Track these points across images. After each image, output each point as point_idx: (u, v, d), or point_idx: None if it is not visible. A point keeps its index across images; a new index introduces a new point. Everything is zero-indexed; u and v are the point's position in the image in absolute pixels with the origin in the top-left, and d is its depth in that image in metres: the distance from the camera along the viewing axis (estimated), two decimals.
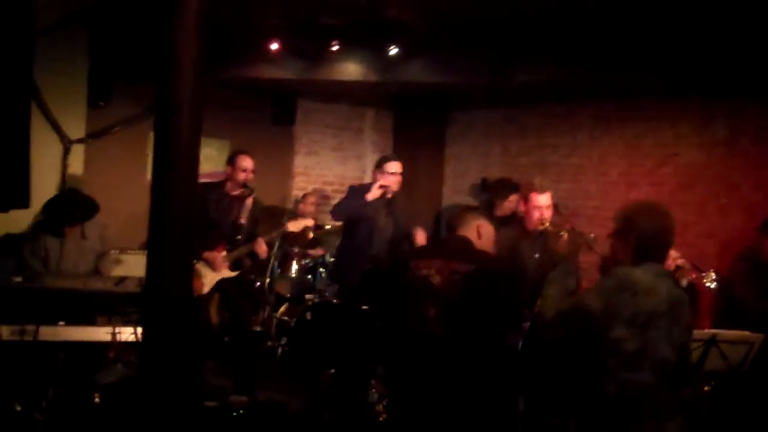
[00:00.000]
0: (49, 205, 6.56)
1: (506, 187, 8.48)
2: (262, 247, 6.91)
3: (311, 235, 8.80)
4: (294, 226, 7.19)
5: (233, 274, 6.88)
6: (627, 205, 3.91)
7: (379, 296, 4.37)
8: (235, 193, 6.90)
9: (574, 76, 8.12)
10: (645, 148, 8.74)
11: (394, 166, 6.78)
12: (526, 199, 5.78)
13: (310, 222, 7.42)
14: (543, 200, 5.71)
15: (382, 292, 4.32)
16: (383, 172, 6.77)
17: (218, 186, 6.89)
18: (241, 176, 6.86)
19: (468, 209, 4.83)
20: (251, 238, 6.94)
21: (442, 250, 4.51)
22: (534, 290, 5.53)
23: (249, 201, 6.96)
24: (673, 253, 5.90)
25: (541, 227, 5.68)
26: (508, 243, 5.78)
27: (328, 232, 8.75)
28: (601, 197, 8.93)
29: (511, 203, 8.19)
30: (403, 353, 4.29)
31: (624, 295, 3.44)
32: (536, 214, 5.68)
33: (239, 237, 6.89)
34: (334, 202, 7.76)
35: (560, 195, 8.81)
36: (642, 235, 3.64)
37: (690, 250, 7.52)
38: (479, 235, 4.47)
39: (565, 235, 5.59)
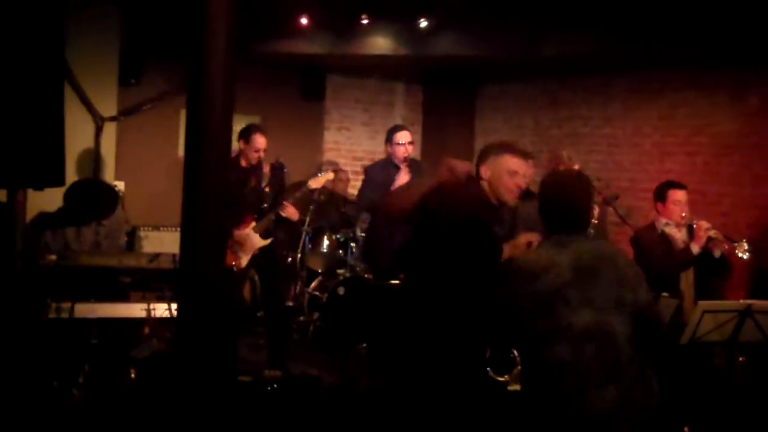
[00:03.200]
0: (70, 195, 6.49)
1: None
2: (288, 210, 6.90)
3: (342, 210, 8.82)
4: (316, 183, 7.16)
5: (266, 242, 6.90)
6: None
7: None
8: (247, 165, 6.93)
9: (606, 48, 8.04)
10: (679, 119, 8.64)
11: (403, 136, 6.75)
12: None
13: (330, 175, 7.39)
14: None
15: None
16: (393, 144, 6.76)
17: (233, 160, 6.71)
18: (254, 156, 6.87)
19: None
20: (276, 202, 6.96)
21: None
22: None
23: (266, 168, 7.00)
24: (704, 224, 5.88)
25: None
26: (532, 216, 5.76)
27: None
28: (635, 169, 8.85)
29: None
30: None
31: (524, 284, 3.41)
32: None
33: (265, 205, 6.94)
34: (362, 176, 7.74)
35: (593, 167, 8.75)
36: (543, 207, 3.59)
37: (725, 220, 7.49)
38: None
39: (595, 207, 5.56)
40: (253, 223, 6.83)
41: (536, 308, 3.36)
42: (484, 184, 4.24)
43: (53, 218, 6.41)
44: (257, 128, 6.99)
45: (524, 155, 4.25)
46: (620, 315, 3.36)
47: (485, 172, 4.23)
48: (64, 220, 6.40)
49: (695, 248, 5.80)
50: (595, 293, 3.36)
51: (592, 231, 5.62)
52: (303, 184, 7.27)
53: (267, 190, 7.01)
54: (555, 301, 3.34)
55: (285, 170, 7.44)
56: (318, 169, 8.25)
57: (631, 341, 3.36)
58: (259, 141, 6.87)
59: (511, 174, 4.18)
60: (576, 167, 5.70)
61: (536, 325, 3.36)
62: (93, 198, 6.49)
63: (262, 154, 6.90)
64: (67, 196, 6.31)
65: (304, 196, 7.30)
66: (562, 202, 3.53)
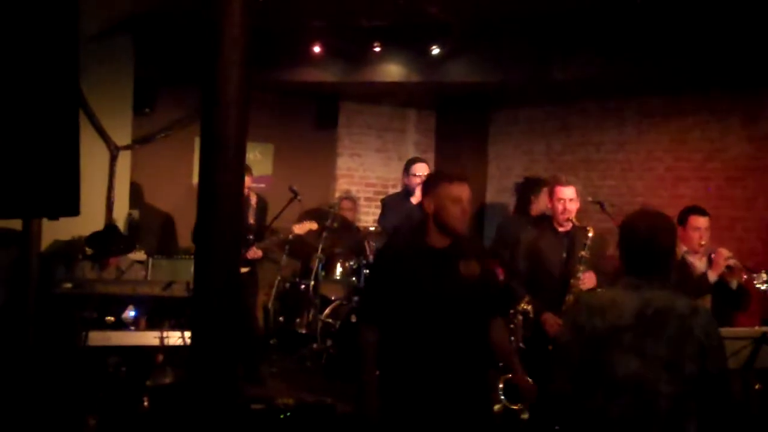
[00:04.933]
0: (93, 238, 6.74)
1: (539, 183, 8.36)
2: (252, 252, 7.33)
3: (355, 237, 8.84)
4: (299, 229, 7.64)
5: (245, 270, 7.13)
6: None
7: None
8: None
9: (616, 72, 8.04)
10: (692, 143, 8.62)
11: (420, 168, 6.81)
12: (551, 194, 5.76)
13: (314, 225, 7.78)
14: (567, 193, 5.66)
15: None
16: (410, 175, 6.81)
17: None
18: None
19: None
20: (259, 235, 7.44)
21: None
22: (561, 290, 5.52)
23: (253, 200, 7.40)
24: (724, 252, 5.81)
25: (568, 224, 5.67)
26: (533, 243, 5.77)
27: (373, 234, 8.78)
28: (649, 194, 8.83)
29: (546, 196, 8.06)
30: None
31: (582, 318, 3.33)
32: (560, 207, 5.65)
33: (250, 236, 7.30)
34: (375, 203, 7.82)
35: (606, 192, 8.74)
36: (626, 246, 3.43)
37: (739, 245, 7.44)
38: None
39: (591, 230, 5.54)
40: None
41: (588, 345, 3.28)
42: (431, 218, 4.14)
43: (67, 257, 6.55)
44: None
45: (461, 180, 4.12)
46: (671, 375, 3.19)
47: (428, 205, 4.13)
48: (83, 260, 6.56)
49: (712, 276, 5.72)
50: (650, 346, 3.21)
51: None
52: (323, 218, 7.89)
53: (252, 222, 7.39)
54: (607, 341, 3.25)
55: (298, 197, 7.69)
56: (329, 205, 8.60)
57: (675, 405, 3.19)
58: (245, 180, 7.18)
59: (454, 201, 4.06)
60: (573, 188, 5.69)
61: (582, 360, 3.30)
62: (111, 240, 6.72)
63: (246, 191, 7.18)
64: (89, 240, 6.53)
65: (285, 240, 7.78)
66: (640, 243, 3.38)
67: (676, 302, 3.29)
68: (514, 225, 7.74)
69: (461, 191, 4.07)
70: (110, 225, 7.70)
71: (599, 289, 3.44)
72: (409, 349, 4.06)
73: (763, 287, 5.70)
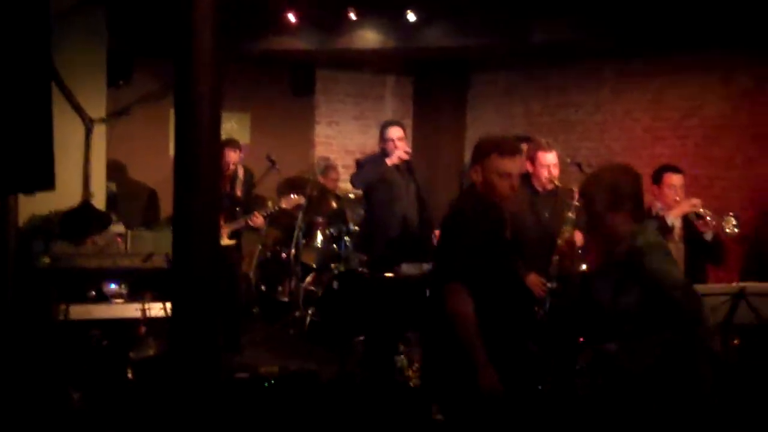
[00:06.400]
0: (67, 219, 6.67)
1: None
2: (257, 221, 7.34)
3: (334, 204, 8.84)
4: (287, 203, 7.57)
5: (231, 242, 7.25)
6: (590, 180, 4.02)
7: None
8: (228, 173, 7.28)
9: (594, 34, 8.04)
10: (669, 102, 8.64)
11: (394, 132, 6.70)
12: (532, 160, 5.74)
13: (301, 200, 7.74)
14: (550, 158, 5.70)
15: None
16: (384, 139, 6.73)
17: None
18: (226, 168, 7.21)
19: None
20: (248, 207, 7.37)
21: None
22: (549, 249, 5.54)
23: (240, 173, 7.38)
24: (694, 201, 5.82)
25: (550, 186, 5.67)
26: (521, 203, 5.76)
27: (352, 201, 8.77)
28: (627, 154, 8.84)
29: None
30: None
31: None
32: (544, 173, 5.67)
33: (237, 209, 7.31)
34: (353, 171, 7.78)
35: (584, 153, 8.76)
36: (633, 197, 3.80)
37: (717, 203, 7.47)
38: None
39: (576, 191, 5.53)
40: (223, 223, 7.00)
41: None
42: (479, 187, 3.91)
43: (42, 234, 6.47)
44: (228, 143, 7.30)
45: (513, 152, 3.87)
46: None
47: (476, 176, 3.90)
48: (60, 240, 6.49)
49: (669, 219, 5.67)
50: None
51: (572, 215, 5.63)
52: (301, 187, 7.94)
53: (239, 194, 7.37)
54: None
55: (276, 166, 7.66)
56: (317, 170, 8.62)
57: None
58: (230, 156, 7.26)
59: (502, 176, 3.82)
60: (555, 153, 5.71)
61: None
62: (87, 219, 6.64)
63: (233, 166, 7.28)
64: (63, 221, 6.45)
65: (275, 213, 7.70)
66: (640, 185, 3.85)
67: None
68: None
69: (512, 165, 3.83)
70: (84, 203, 7.61)
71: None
72: (492, 309, 3.82)
73: (732, 231, 5.70)
